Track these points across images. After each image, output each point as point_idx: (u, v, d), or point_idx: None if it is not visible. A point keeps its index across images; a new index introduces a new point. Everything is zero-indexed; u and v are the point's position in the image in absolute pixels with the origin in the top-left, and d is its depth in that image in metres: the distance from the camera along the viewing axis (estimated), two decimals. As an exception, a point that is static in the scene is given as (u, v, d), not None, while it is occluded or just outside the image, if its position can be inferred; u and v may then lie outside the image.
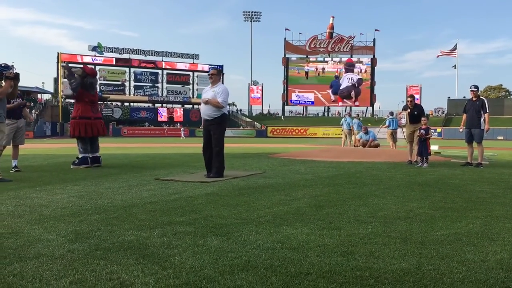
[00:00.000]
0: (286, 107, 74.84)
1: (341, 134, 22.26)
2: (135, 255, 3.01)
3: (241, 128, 64.50)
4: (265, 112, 76.33)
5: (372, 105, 72.75)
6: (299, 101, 73.51)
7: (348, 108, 65.83)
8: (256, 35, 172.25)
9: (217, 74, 8.28)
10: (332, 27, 72.67)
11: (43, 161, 12.03)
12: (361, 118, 23.60)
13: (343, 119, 21.56)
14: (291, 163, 11.42)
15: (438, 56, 75.19)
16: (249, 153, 17.03)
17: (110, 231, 3.72)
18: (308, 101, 73.22)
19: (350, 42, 72.35)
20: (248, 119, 69.96)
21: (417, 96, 61.74)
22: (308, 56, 72.81)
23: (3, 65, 7.53)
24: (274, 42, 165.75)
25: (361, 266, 2.80)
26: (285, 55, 72.88)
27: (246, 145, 25.41)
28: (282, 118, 71.60)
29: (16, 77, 7.55)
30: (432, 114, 68.68)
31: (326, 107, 75.20)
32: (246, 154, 16.17)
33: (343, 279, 2.55)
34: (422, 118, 11.31)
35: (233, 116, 71.64)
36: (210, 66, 73.69)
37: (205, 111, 7.94)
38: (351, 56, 72.71)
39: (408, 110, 11.59)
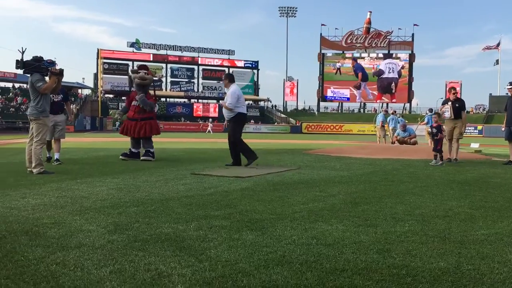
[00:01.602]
0: (321, 103, 74.24)
1: (376, 131, 21.95)
2: (172, 247, 3.07)
3: (275, 124, 64.45)
4: (300, 108, 75.95)
5: (410, 101, 71.24)
6: (335, 97, 72.75)
7: (384, 105, 64.71)
8: (291, 30, 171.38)
9: (224, 78, 9.54)
10: (369, 22, 71.43)
11: (83, 154, 12.39)
12: (398, 115, 23.12)
13: (377, 116, 21.25)
14: (326, 159, 11.34)
15: (483, 50, 72.87)
16: (283, 149, 17.00)
17: (147, 223, 3.80)
18: (343, 97, 72.35)
19: (387, 37, 70.96)
20: (282, 115, 69.81)
21: (457, 93, 59.98)
22: (344, 52, 71.90)
23: (48, 61, 7.78)
24: (309, 38, 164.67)
25: (397, 264, 2.76)
26: (320, 50, 72.18)
27: (280, 141, 25.39)
28: (317, 114, 71.08)
29: (61, 73, 7.80)
30: (472, 111, 66.69)
31: (362, 104, 74.14)
32: (281, 150, 16.15)
33: (379, 277, 2.53)
34: (433, 116, 11.04)
35: (268, 112, 71.63)
36: (246, 62, 74.02)
37: (223, 113, 9.56)
38: (389, 52, 71.33)
39: (450, 103, 11.11)
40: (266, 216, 4.17)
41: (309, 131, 57.63)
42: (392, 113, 22.32)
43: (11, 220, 3.87)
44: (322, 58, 72.21)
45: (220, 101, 10.60)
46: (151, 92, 11.00)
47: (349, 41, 71.56)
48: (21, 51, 7.62)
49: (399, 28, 72.87)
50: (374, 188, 6.19)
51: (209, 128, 52.23)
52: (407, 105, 71.60)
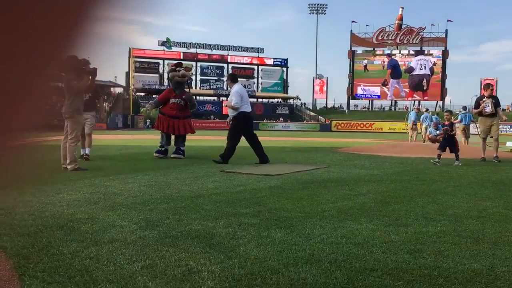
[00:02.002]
0: (351, 101, 73.44)
1: (407, 129, 21.57)
2: (202, 244, 3.11)
3: (305, 122, 64.14)
4: (329, 106, 75.37)
5: (442, 99, 69.68)
6: (365, 94, 71.83)
7: (416, 103, 63.51)
8: (321, 28, 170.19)
9: (227, 78, 10.09)
10: (401, 18, 70.17)
11: (115, 151, 12.65)
12: (431, 113, 22.67)
13: (408, 114, 20.88)
14: (356, 157, 11.23)
15: None
16: (313, 147, 16.92)
17: (178, 220, 3.85)
18: (374, 95, 71.35)
19: (420, 33, 69.53)
20: (312, 113, 69.40)
21: (492, 90, 58.34)
22: (375, 49, 70.90)
23: (82, 60, 7.96)
24: (339, 35, 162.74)
25: (429, 264, 2.72)
26: (351, 48, 71.36)
27: (310, 139, 25.26)
28: (346, 112, 70.38)
29: (94, 72, 7.98)
30: (508, 108, 64.70)
31: (393, 101, 72.95)
32: (310, 148, 16.08)
33: (410, 277, 2.49)
34: (445, 114, 10.70)
35: (297, 110, 71.35)
36: (275, 60, 73.92)
37: (228, 113, 9.80)
38: (421, 48, 69.93)
39: (490, 98, 10.72)
40: (295, 214, 4.17)
41: (338, 129, 57.11)
42: (425, 111, 21.90)
43: (47, 215, 3.99)
44: (352, 55, 71.41)
45: (224, 103, 10.69)
46: (186, 89, 11.14)
47: (380, 38, 70.48)
48: (56, 51, 7.82)
49: (432, 24, 71.34)
50: (405, 187, 6.10)
51: None
52: (440, 102, 70.06)
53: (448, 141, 10.02)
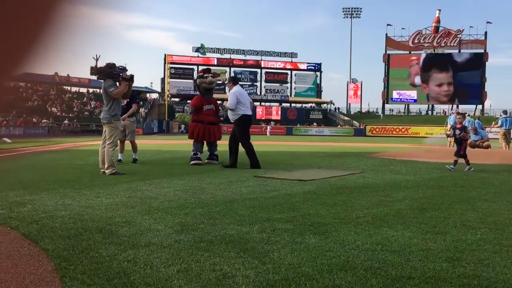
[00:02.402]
0: (386, 105, 72.30)
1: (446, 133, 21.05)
2: (236, 248, 3.13)
3: (338, 126, 63.57)
4: (364, 110, 74.44)
5: (482, 103, 67.67)
6: (401, 99, 70.55)
7: (454, 107, 61.94)
8: (355, 31, 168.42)
9: (228, 81, 10.01)
10: (438, 21, 68.69)
11: (151, 156, 12.88)
12: (470, 117, 22.04)
13: (448, 118, 20.38)
14: (392, 163, 11.04)
15: None
16: (347, 152, 16.75)
17: (212, 224, 3.89)
18: (410, 99, 69.98)
19: (458, 36, 67.86)
20: (346, 118, 68.72)
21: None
22: (411, 52, 69.63)
23: (120, 67, 8.18)
24: (374, 39, 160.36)
25: (468, 273, 2.65)
26: (386, 51, 70.35)
27: (344, 144, 25.00)
28: (381, 116, 69.32)
29: (131, 78, 8.18)
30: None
31: (430, 105, 71.38)
32: (344, 153, 15.92)
33: (448, 286, 2.44)
34: (457, 117, 10.13)
35: (331, 114, 70.80)
36: (308, 64, 73.67)
37: (228, 116, 9.64)
38: (459, 51, 68.20)
39: None
40: (329, 220, 4.14)
41: (373, 134, 56.31)
42: (467, 116, 21.34)
43: (86, 218, 4.10)
44: (387, 59, 70.36)
45: (225, 104, 10.52)
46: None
47: (416, 41, 69.18)
48: (95, 58, 8.07)
49: (470, 26, 69.41)
50: (442, 193, 5.96)
51: (267, 131, 52.58)
52: (480, 106, 68.07)
53: (459, 144, 9.66)
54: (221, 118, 11.14)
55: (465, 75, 66.92)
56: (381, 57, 70.97)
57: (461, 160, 9.32)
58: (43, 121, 42.66)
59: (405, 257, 2.97)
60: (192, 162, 10.02)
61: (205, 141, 10.52)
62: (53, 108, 49.79)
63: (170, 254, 2.98)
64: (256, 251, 3.08)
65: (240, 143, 9.47)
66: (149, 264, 2.76)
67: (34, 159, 11.76)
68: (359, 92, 72.89)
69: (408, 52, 69.77)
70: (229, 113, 9.49)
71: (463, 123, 10.25)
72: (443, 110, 70.10)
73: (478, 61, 67.10)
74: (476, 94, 66.83)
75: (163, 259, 2.86)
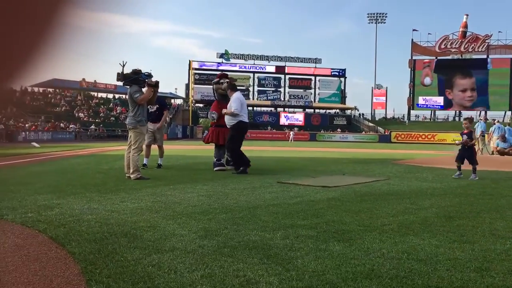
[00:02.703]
0: (412, 111, 71.35)
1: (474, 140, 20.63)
2: (259, 254, 3.12)
3: (363, 133, 63.01)
4: (389, 116, 73.61)
5: (511, 109, 66.08)
6: (427, 105, 69.51)
7: (482, 113, 60.68)
8: (380, 37, 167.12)
9: (227, 88, 9.90)
10: (465, 26, 67.56)
11: (175, 161, 13.00)
12: (502, 123, 21.57)
13: (476, 124, 19.98)
14: (418, 170, 10.87)
15: None
16: (371, 158, 16.57)
17: (236, 230, 3.89)
18: (436, 105, 68.88)
19: (486, 41, 66.57)
20: (370, 124, 68.07)
21: None
22: (438, 58, 68.60)
23: (146, 73, 8.30)
24: (400, 44, 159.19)
25: (498, 284, 2.58)
26: (412, 57, 69.52)
27: (368, 150, 24.75)
28: (407, 122, 68.39)
29: (156, 84, 8.29)
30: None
31: (457, 112, 70.07)
32: (369, 159, 15.75)
33: (477, 297, 2.37)
34: (464, 122, 9.65)
35: (355, 120, 70.27)
36: (333, 70, 73.31)
37: (225, 121, 9.61)
38: (487, 57, 66.85)
39: None
40: (354, 227, 4.09)
41: (398, 141, 55.57)
42: (496, 122, 20.89)
43: (112, 222, 4.16)
44: (413, 64, 69.50)
45: (223, 110, 10.42)
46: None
47: (443, 46, 68.16)
48: (122, 65, 8.22)
49: (499, 31, 68.17)
50: (470, 202, 5.83)
51: (290, 137, 52.53)
52: (509, 113, 66.47)
53: (466, 152, 9.22)
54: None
55: (494, 81, 65.55)
56: (406, 62, 70.19)
57: (467, 167, 9.11)
58: (70, 126, 43.56)
59: (431, 266, 2.91)
60: (216, 169, 9.96)
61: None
62: (80, 114, 50.79)
63: (194, 259, 2.99)
64: (280, 257, 3.07)
65: (227, 145, 9.50)
66: (173, 269, 2.77)
67: (61, 164, 12.01)
68: (384, 98, 72.16)
69: (434, 57, 68.79)
70: (227, 117, 9.50)
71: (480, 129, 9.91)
72: (471, 116, 68.71)
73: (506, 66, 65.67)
74: (504, 100, 65.34)
75: (187, 264, 2.88)
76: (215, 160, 10.25)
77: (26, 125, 38.34)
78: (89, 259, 2.97)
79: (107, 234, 3.68)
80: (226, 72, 15.75)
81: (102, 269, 2.76)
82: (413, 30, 71.05)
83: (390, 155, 18.79)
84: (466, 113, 70.20)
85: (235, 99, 9.50)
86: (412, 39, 69.46)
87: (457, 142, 9.55)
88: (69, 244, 3.36)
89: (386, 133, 59.28)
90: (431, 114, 71.53)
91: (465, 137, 9.21)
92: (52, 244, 3.42)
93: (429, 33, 71.59)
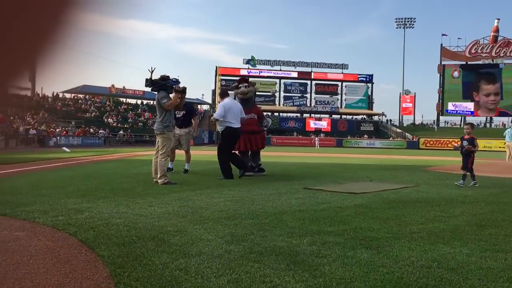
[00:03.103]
0: (441, 117, 70.02)
1: (506, 147, 20.07)
2: (286, 261, 3.10)
3: (390, 139, 62.18)
4: (417, 122, 72.45)
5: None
6: (456, 110, 68.09)
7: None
8: (408, 42, 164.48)
9: (218, 95, 10.48)
10: (497, 30, 66.00)
11: (202, 166, 13.09)
12: None
13: (506, 131, 19.45)
14: (447, 177, 10.64)
15: None
16: (399, 165, 16.32)
17: (262, 235, 3.89)
18: (467, 111, 67.38)
19: (518, 45, 64.86)
20: (398, 130, 67.09)
21: None
22: (468, 63, 67.20)
23: (174, 79, 8.40)
24: (428, 49, 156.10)
25: (533, 296, 2.49)
26: (441, 62, 68.31)
27: (396, 157, 24.39)
28: (436, 129, 67.14)
29: (183, 90, 8.37)
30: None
31: (488, 118, 68.40)
32: (397, 166, 15.52)
33: (511, 308, 2.30)
34: (465, 127, 9.19)
35: (383, 126, 69.38)
36: (360, 76, 72.70)
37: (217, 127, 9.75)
38: (520, 61, 65.07)
39: None
40: (382, 234, 4.03)
41: (427, 147, 54.62)
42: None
43: (139, 226, 4.21)
44: (442, 69, 68.26)
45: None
46: (256, 105, 11.10)
47: (473, 51, 66.72)
48: (150, 71, 8.31)
49: (532, 35, 66.28)
50: (503, 209, 5.67)
51: (316, 143, 52.29)
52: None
53: (466, 157, 8.90)
54: (265, 128, 11.02)
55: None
56: (435, 67, 69.01)
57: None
58: (99, 131, 44.40)
59: (463, 276, 2.84)
60: (240, 174, 9.82)
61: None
62: (109, 119, 51.74)
63: (221, 264, 2.99)
64: (307, 264, 3.04)
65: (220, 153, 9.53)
66: (200, 273, 2.78)
67: (91, 168, 12.25)
68: (412, 104, 71.08)
69: (465, 62, 67.41)
70: (217, 124, 9.64)
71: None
72: (502, 123, 67.06)
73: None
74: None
75: (214, 269, 2.88)
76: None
77: (57, 130, 39.27)
78: (118, 262, 3.01)
79: (135, 238, 3.73)
80: (246, 77, 15.74)
81: (131, 273, 2.79)
82: (442, 35, 69.90)
83: (419, 162, 18.47)
84: (497, 119, 68.53)
85: (219, 105, 9.60)
86: (441, 44, 68.28)
87: (455, 146, 9.28)
88: (98, 247, 3.42)
89: (414, 139, 58.36)
90: (461, 120, 69.98)
91: (465, 142, 8.90)
92: (82, 247, 3.48)
93: (459, 38, 69.96)
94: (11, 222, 4.40)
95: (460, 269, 2.99)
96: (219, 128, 9.59)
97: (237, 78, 75.24)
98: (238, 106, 9.59)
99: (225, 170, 9.30)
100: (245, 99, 10.65)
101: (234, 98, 10.74)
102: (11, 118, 35.25)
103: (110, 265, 2.95)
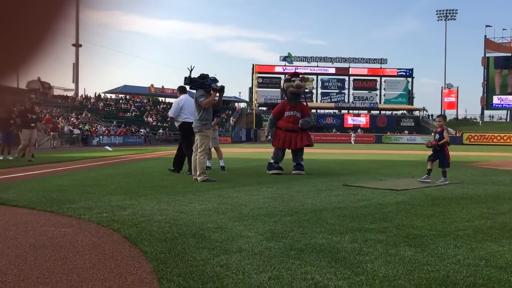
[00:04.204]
0: (486, 112, 67.71)
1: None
2: (327, 258, 3.07)
3: (432, 134, 60.58)
4: (460, 117, 70.30)
5: None
6: (502, 104, 65.67)
7: None
8: (450, 34, 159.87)
9: (177, 90, 10.27)
10: (544, 19, 63.14)
11: (240, 164, 13.15)
12: None
13: None
14: (493, 173, 10.28)
15: None
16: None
17: (302, 232, 3.86)
18: (513, 104, 64.86)
19: None
20: (440, 125, 65.28)
21: None
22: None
23: (212, 78, 8.45)
24: (471, 41, 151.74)
25: None
26: (485, 54, 66.03)
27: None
28: (480, 123, 64.95)
29: (221, 89, 8.41)
30: None
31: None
32: (439, 162, 15.10)
33: None
34: (438, 119, 8.51)
35: (424, 122, 67.74)
36: (399, 70, 71.20)
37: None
38: None
39: None
40: (426, 232, 3.93)
41: (471, 142, 52.90)
42: None
43: (180, 223, 4.27)
44: (486, 62, 65.95)
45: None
46: (303, 103, 10.56)
47: (519, 42, 64.12)
48: (190, 69, 8.40)
49: None
50: (554, 206, 5.41)
51: (352, 139, 51.68)
52: None
53: (438, 153, 8.27)
54: (303, 127, 10.18)
55: None
56: (479, 60, 66.79)
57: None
58: (140, 130, 45.39)
59: (513, 275, 2.73)
60: (269, 172, 9.73)
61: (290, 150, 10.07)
62: (149, 118, 52.79)
63: (261, 261, 2.99)
64: (348, 261, 3.00)
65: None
66: (241, 270, 2.79)
67: (132, 166, 12.53)
68: (454, 98, 69.05)
69: (510, 54, 64.88)
70: (174, 121, 10.03)
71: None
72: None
73: None
74: None
75: (255, 265, 2.88)
76: (272, 162, 10.00)
77: (100, 129, 40.41)
78: (160, 258, 3.06)
79: (177, 234, 3.78)
80: (297, 71, 15.51)
81: (173, 268, 2.83)
82: (486, 26, 67.20)
83: (463, 158, 17.90)
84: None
85: (174, 102, 10.14)
86: (485, 36, 66.02)
87: (426, 143, 8.44)
88: (141, 243, 3.48)
89: (457, 135, 56.63)
90: (507, 114, 67.45)
91: (437, 136, 8.31)
92: (126, 243, 3.56)
93: (504, 29, 67.60)
94: (58, 219, 4.55)
95: (510, 267, 2.87)
96: (176, 124, 9.99)
97: (273, 75, 75.15)
98: (192, 101, 9.34)
99: (177, 163, 10.02)
100: (296, 93, 10.21)
101: (285, 92, 10.54)
102: (57, 119, 36.54)
103: (153, 261, 3.00)
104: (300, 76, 10.60)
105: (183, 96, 9.84)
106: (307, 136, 10.20)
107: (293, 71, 69.46)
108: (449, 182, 7.89)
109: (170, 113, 9.96)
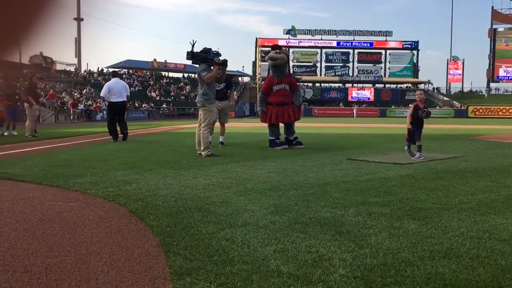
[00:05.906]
0: (492, 84, 67.09)
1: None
2: (331, 231, 3.10)
3: (437, 107, 60.26)
4: (465, 90, 69.74)
5: None
6: (508, 77, 65.01)
7: None
8: (457, 6, 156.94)
9: (111, 74, 13.89)
10: (553, -11, 61.95)
11: (244, 138, 13.17)
12: None
13: None
14: (498, 146, 10.25)
15: None
16: (447, 134, 15.83)
17: (306, 206, 3.89)
18: (519, 77, 64.21)
19: None
20: (445, 98, 64.90)
21: None
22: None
23: (214, 52, 8.37)
24: (478, 12, 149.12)
25: None
26: (492, 25, 65.01)
27: (443, 126, 23.64)
28: (486, 96, 64.45)
29: (224, 63, 8.34)
30: None
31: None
32: (444, 135, 15.06)
33: None
34: (418, 93, 8.07)
35: (429, 95, 67.21)
36: (404, 43, 70.29)
37: None
38: None
39: None
40: (429, 205, 3.95)
41: (476, 115, 52.64)
42: None
43: (186, 197, 4.31)
44: (493, 33, 65.01)
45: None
46: (290, 75, 10.36)
47: (527, 13, 63.03)
48: (192, 44, 8.32)
49: None
50: (559, 179, 5.41)
51: (354, 112, 51.65)
52: None
53: (421, 128, 7.70)
54: (297, 104, 10.26)
55: None
56: (486, 32, 65.82)
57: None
58: (143, 105, 45.33)
59: (516, 247, 2.75)
60: (277, 148, 9.67)
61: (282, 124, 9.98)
62: (152, 93, 52.65)
63: (266, 234, 3.03)
64: (352, 234, 3.03)
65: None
66: (246, 243, 2.82)
67: (136, 142, 12.57)
68: (460, 71, 68.37)
69: (517, 25, 63.87)
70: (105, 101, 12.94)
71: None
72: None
73: None
74: None
75: (260, 239, 2.92)
76: (273, 138, 9.93)
77: (103, 104, 40.40)
78: (167, 232, 3.09)
79: (182, 208, 3.82)
80: (284, 47, 15.37)
81: (179, 242, 2.86)
82: (494, -4, 66.08)
83: (468, 131, 17.84)
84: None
85: (105, 85, 12.31)
86: (493, 7, 64.81)
87: (424, 115, 7.56)
88: (147, 217, 3.52)
89: (462, 108, 56.34)
90: (513, 86, 66.84)
91: (420, 112, 7.68)
92: (132, 217, 3.60)
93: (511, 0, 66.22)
94: (64, 194, 4.60)
95: (513, 240, 2.90)
96: (106, 104, 12.79)
97: (277, 49, 74.10)
98: (120, 84, 12.41)
99: (111, 133, 12.11)
100: (275, 67, 10.07)
101: (269, 69, 10.42)
102: (60, 93, 36.51)
103: (160, 235, 3.04)
104: (281, 49, 10.41)
105: (112, 80, 12.34)
106: (293, 110, 10.05)
107: (297, 44, 68.96)
108: (423, 157, 7.45)
109: (101, 94, 12.61)
